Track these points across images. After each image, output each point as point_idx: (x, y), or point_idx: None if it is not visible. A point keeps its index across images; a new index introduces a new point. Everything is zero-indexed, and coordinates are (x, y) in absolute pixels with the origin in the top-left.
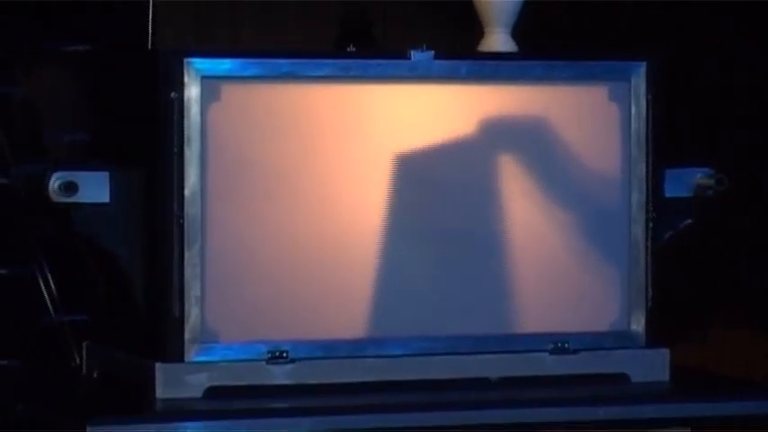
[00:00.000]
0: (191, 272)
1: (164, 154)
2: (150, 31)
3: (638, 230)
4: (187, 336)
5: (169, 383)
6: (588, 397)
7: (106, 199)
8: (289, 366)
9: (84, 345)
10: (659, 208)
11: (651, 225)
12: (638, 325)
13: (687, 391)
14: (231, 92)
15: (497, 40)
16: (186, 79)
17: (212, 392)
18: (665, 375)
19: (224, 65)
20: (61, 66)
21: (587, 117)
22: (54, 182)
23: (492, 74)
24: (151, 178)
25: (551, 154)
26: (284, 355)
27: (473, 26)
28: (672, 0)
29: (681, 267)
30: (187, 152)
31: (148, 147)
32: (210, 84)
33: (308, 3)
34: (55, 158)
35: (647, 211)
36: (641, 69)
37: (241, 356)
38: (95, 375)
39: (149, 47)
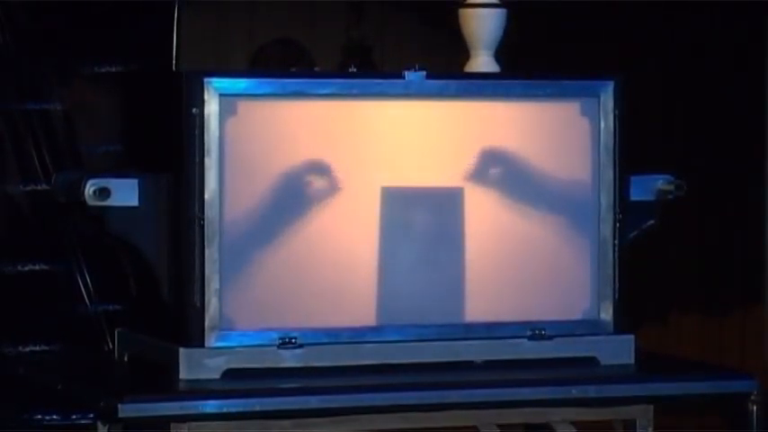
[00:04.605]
0: (210, 267)
1: (186, 163)
2: (174, 54)
3: (607, 230)
4: (207, 324)
5: (191, 366)
6: (562, 378)
7: (135, 203)
8: (297, 351)
9: (116, 331)
10: (625, 210)
11: (618, 225)
12: (607, 314)
13: (650, 373)
14: (246, 108)
15: (482, 62)
16: (206, 97)
17: (229, 374)
18: (630, 359)
19: (240, 84)
20: (96, 85)
21: (562, 130)
22: (89, 188)
23: (478, 92)
24: (175, 184)
25: (530, 162)
26: (293, 340)
27: (460, 50)
28: (636, 24)
29: (644, 263)
30: (207, 161)
31: (173, 156)
32: (228, 101)
33: (316, 30)
34: (90, 167)
35: (614, 213)
36: (609, 88)
37: (255, 342)
38: (126, 359)
39: (174, 68)
